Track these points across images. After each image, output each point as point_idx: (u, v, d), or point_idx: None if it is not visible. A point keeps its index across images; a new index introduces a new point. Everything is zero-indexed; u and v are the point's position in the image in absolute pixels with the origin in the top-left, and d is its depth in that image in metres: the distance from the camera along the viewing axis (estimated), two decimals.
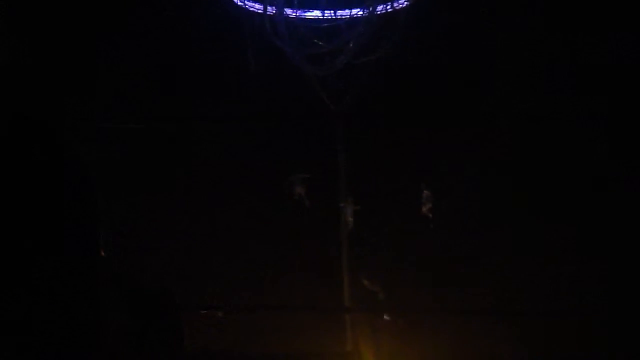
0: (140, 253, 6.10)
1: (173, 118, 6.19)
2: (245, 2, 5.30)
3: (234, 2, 5.33)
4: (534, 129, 6.01)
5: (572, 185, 6.02)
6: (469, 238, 6.15)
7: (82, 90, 6.07)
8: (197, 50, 6.02)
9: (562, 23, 5.76)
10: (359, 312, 6.39)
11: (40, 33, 5.97)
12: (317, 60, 5.35)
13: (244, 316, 6.38)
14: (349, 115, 6.05)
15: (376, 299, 6.32)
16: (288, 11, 4.84)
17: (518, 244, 6.13)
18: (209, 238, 6.29)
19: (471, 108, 6.04)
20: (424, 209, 6.15)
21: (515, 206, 6.09)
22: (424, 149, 6.13)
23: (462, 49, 5.90)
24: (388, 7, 5.04)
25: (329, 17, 4.93)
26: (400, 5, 5.13)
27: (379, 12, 5.05)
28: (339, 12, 4.93)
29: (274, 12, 4.83)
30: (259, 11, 5.26)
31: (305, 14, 4.91)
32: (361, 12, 4.88)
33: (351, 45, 5.28)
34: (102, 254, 5.06)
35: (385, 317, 6.27)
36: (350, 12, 4.89)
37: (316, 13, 4.92)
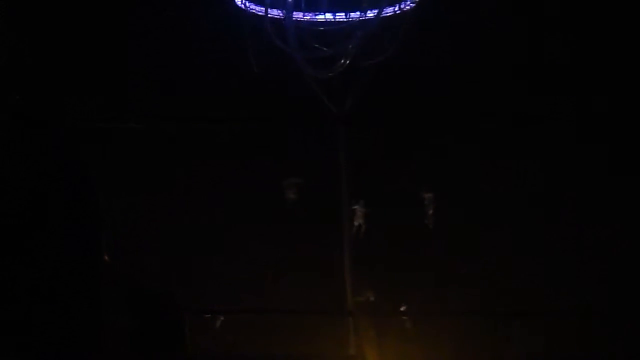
0: (141, 255, 6.10)
1: (173, 119, 6.19)
2: (247, 4, 5.28)
3: (235, 3, 5.32)
4: (534, 129, 6.01)
5: (572, 185, 6.02)
6: (470, 239, 6.14)
7: (82, 90, 6.06)
8: (198, 51, 6.03)
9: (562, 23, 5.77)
10: (361, 315, 6.37)
11: (40, 33, 5.97)
12: (319, 63, 5.35)
13: (246, 319, 6.38)
14: (351, 118, 6.04)
15: (378, 302, 6.32)
16: (299, 14, 4.82)
17: (519, 244, 6.13)
18: (211, 240, 6.29)
19: (472, 109, 6.03)
20: (425, 211, 6.15)
21: (515, 207, 6.08)
22: (425, 151, 6.12)
23: (463, 51, 5.89)
24: (396, 8, 5.02)
25: (340, 20, 4.91)
26: (407, 7, 5.11)
27: (386, 14, 5.04)
28: (351, 15, 4.91)
29: (283, 15, 4.80)
30: (261, 13, 5.24)
31: (317, 16, 4.88)
32: (371, 14, 4.87)
33: (351, 48, 5.27)
34: (105, 257, 5.06)
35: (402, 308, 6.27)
36: (360, 14, 4.88)
37: (327, 16, 4.90)
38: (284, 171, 6.24)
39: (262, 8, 5.25)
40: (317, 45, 5.16)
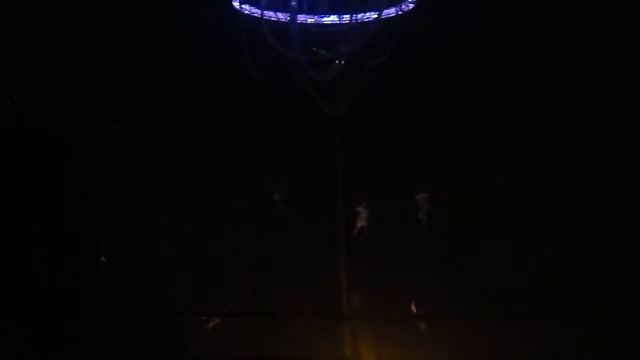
0: (138, 257, 6.07)
1: (171, 120, 6.17)
2: (244, 6, 5.25)
3: (232, 5, 5.29)
4: (532, 130, 6.00)
5: (571, 186, 6.02)
6: (468, 240, 6.14)
7: (79, 91, 6.03)
8: (195, 54, 6.02)
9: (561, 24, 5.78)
10: (357, 318, 6.36)
11: (40, 34, 5.93)
12: (317, 65, 5.32)
13: (243, 322, 6.35)
14: (347, 120, 6.02)
15: (375, 304, 6.30)
16: (303, 17, 4.79)
17: (517, 245, 6.12)
18: (208, 242, 6.27)
19: (468, 111, 6.03)
20: (422, 211, 6.14)
21: (514, 208, 6.08)
22: (423, 152, 6.11)
23: (459, 53, 5.88)
24: (396, 9, 5.00)
25: (340, 22, 4.88)
26: (406, 8, 5.10)
27: (386, 16, 5.02)
28: (356, 16, 4.88)
29: (287, 18, 4.77)
30: (257, 15, 5.21)
31: (322, 19, 4.85)
32: (375, 15, 4.85)
33: (350, 50, 5.25)
34: (104, 260, 5.03)
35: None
36: (365, 15, 4.85)
37: (333, 17, 4.88)
38: (280, 173, 6.22)
39: (258, 10, 5.19)
40: (314, 49, 5.11)
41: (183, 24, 5.90)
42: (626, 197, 5.97)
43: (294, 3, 4.74)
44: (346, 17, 4.91)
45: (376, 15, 4.92)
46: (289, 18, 4.79)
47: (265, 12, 5.13)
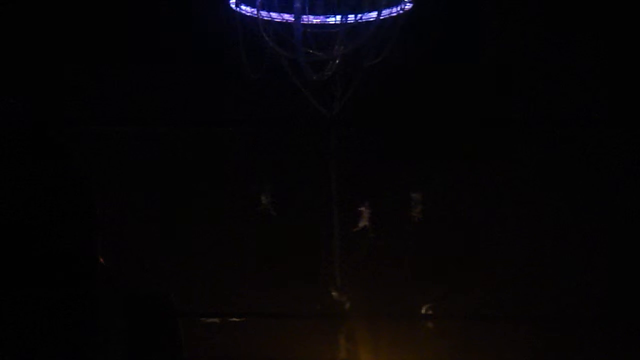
0: (136, 257, 6.03)
1: (167, 121, 6.17)
2: (240, 6, 5.21)
3: (229, 5, 5.25)
4: (527, 132, 6.00)
5: (569, 187, 6.02)
6: (465, 240, 6.12)
7: (77, 92, 6.02)
8: (189, 54, 5.99)
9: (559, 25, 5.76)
10: (353, 318, 6.33)
11: (39, 34, 5.91)
12: (312, 65, 5.30)
13: (240, 323, 6.32)
14: (341, 121, 6.00)
15: (371, 305, 6.27)
16: (309, 17, 4.76)
17: (514, 246, 6.11)
18: (206, 243, 6.24)
19: (466, 112, 6.01)
20: (418, 212, 6.12)
21: (511, 209, 6.07)
22: (419, 152, 6.09)
23: (459, 53, 5.86)
24: (394, 10, 4.98)
25: (351, 22, 4.86)
26: (404, 8, 5.08)
27: (384, 16, 5.00)
28: (361, 16, 4.86)
29: (293, 19, 4.74)
30: (253, 15, 5.17)
31: (328, 19, 4.83)
32: (376, 16, 4.83)
33: (340, 51, 5.22)
34: (101, 260, 4.97)
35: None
36: (369, 15, 4.83)
37: (337, 18, 4.85)
38: (275, 172, 6.20)
39: (254, 10, 5.16)
40: (311, 51, 5.08)
41: (179, 24, 5.86)
42: (626, 197, 5.96)
43: (297, 5, 4.70)
44: (351, 17, 4.87)
45: (375, 16, 4.91)
46: (293, 19, 4.76)
47: (261, 12, 5.10)
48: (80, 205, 4.28)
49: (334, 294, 6.29)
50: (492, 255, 6.12)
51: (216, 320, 6.27)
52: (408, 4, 5.21)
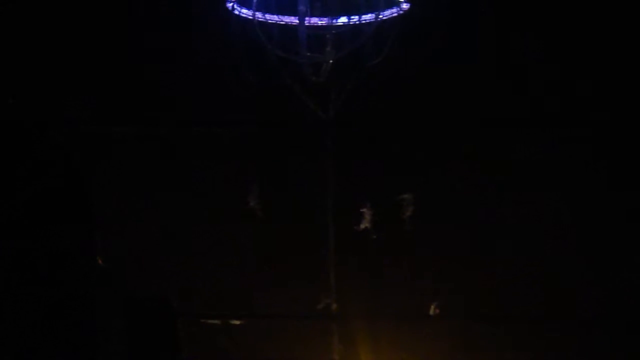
0: (134, 259, 6.04)
1: (165, 122, 6.18)
2: (237, 7, 5.22)
3: (226, 7, 5.26)
4: (527, 132, 6.03)
5: (571, 187, 6.05)
6: (464, 241, 6.15)
7: (76, 92, 6.02)
8: (186, 56, 6.01)
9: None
10: (346, 319, 6.35)
11: (38, 34, 5.91)
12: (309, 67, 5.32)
13: (240, 324, 6.34)
14: (338, 122, 6.03)
15: (364, 306, 6.30)
16: (313, 19, 4.77)
17: (514, 245, 6.14)
18: (203, 244, 6.27)
19: (463, 113, 6.04)
20: (413, 214, 6.15)
21: (511, 209, 6.10)
22: (415, 154, 6.12)
23: (455, 54, 5.89)
24: (393, 11, 5.01)
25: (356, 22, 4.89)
26: (402, 9, 5.10)
27: (383, 18, 5.03)
28: (364, 17, 4.89)
29: (295, 21, 4.75)
30: (251, 18, 5.18)
31: (334, 21, 4.85)
32: (382, 16, 4.86)
33: (332, 54, 5.25)
34: (99, 260, 4.99)
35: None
36: (374, 16, 4.86)
37: (343, 20, 4.87)
38: (271, 174, 6.22)
39: (252, 11, 5.17)
40: (308, 54, 5.09)
41: (177, 25, 5.88)
42: (626, 197, 6.00)
43: (302, 7, 4.72)
44: (355, 18, 4.90)
45: (371, 18, 4.94)
46: (295, 21, 4.77)
47: (258, 13, 5.11)
48: (79, 206, 4.27)
49: (329, 295, 6.31)
50: (492, 255, 6.14)
51: (217, 321, 6.28)
52: (405, 5, 5.23)
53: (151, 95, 6.06)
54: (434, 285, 6.24)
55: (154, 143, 6.16)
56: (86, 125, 6.01)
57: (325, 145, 6.16)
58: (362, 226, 6.20)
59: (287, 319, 6.34)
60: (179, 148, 6.17)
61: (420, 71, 5.93)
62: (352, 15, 5.07)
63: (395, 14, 5.14)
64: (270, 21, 5.14)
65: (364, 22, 4.96)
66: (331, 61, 5.32)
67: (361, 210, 6.19)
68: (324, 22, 4.86)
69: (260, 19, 5.14)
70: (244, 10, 5.20)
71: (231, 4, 5.22)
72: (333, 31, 5.11)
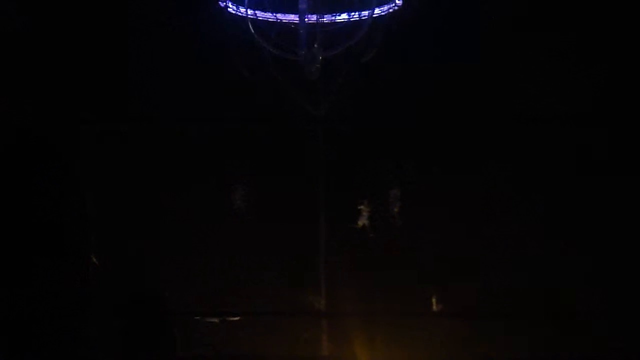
0: (129, 257, 6.01)
1: (160, 121, 6.17)
2: (230, 5, 5.22)
3: (219, 4, 5.26)
4: (530, 130, 6.05)
5: (571, 186, 6.07)
6: (462, 239, 6.16)
7: (72, 91, 6.02)
8: (179, 53, 6.03)
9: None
10: (336, 317, 6.34)
11: (38, 33, 5.90)
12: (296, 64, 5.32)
13: (224, 321, 6.30)
14: (329, 119, 6.04)
15: (354, 303, 6.29)
16: (315, 17, 4.79)
17: (503, 244, 6.15)
18: (199, 242, 6.24)
19: (459, 110, 6.06)
20: (404, 211, 6.15)
21: (509, 207, 6.11)
22: (405, 151, 6.13)
23: (448, 52, 5.91)
24: (385, 8, 5.04)
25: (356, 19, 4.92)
26: (395, 6, 5.13)
27: (376, 15, 5.05)
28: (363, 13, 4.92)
29: (298, 18, 4.77)
30: (247, 16, 5.19)
31: (335, 17, 4.88)
32: (383, 13, 4.89)
33: (320, 51, 5.26)
34: (94, 259, 4.99)
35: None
36: (373, 12, 4.88)
37: (344, 16, 4.90)
38: (263, 172, 6.23)
39: (244, 9, 5.17)
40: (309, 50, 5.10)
41: (170, 22, 5.87)
42: (626, 197, 6.03)
43: (303, 6, 4.73)
44: (355, 15, 4.93)
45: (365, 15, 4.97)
46: (297, 19, 4.78)
47: (250, 11, 5.12)
48: (72, 205, 4.26)
49: (319, 292, 6.31)
50: (489, 254, 6.15)
51: (211, 319, 6.26)
52: (399, 1, 5.25)
53: (144, 93, 6.08)
54: (429, 283, 6.23)
55: (146, 140, 6.15)
56: (78, 123, 5.99)
57: (316, 142, 6.17)
58: (361, 224, 6.21)
59: (287, 317, 6.32)
60: (170, 146, 6.17)
61: (413, 67, 5.95)
62: (343, 13, 5.10)
63: (385, 12, 5.18)
64: (261, 18, 5.15)
65: (359, 18, 4.99)
66: (321, 58, 5.34)
67: (355, 208, 6.20)
68: (325, 19, 4.87)
69: (252, 17, 5.15)
70: (235, 7, 5.21)
71: (224, 3, 5.22)
72: (326, 28, 5.14)
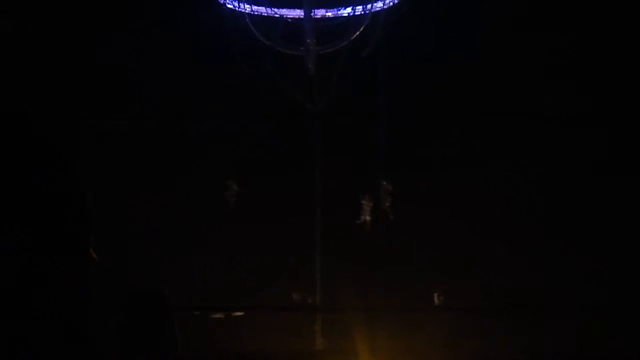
0: (130, 253, 6.06)
1: (158, 117, 6.20)
2: (229, 2, 5.23)
3: (218, 2, 5.27)
4: (529, 128, 6.04)
5: (571, 186, 6.07)
6: (462, 236, 6.14)
7: (72, 88, 6.03)
8: (177, 51, 6.03)
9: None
10: (329, 311, 6.35)
11: (37, 32, 5.90)
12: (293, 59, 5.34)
13: (239, 317, 6.31)
14: (325, 115, 6.05)
15: (348, 299, 6.27)
16: (321, 11, 4.80)
17: (502, 241, 6.14)
18: (197, 239, 6.26)
19: (441, 107, 6.05)
20: (399, 207, 6.15)
21: (509, 206, 6.11)
22: (401, 146, 6.14)
23: (446, 47, 5.91)
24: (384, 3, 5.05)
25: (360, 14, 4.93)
26: (392, 2, 5.15)
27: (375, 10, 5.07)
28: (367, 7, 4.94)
29: (302, 14, 4.78)
30: (242, 11, 5.20)
31: (340, 12, 4.89)
32: (382, 6, 4.90)
33: (312, 45, 5.27)
34: (94, 255, 4.96)
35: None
36: (374, 6, 4.89)
37: (348, 10, 4.92)
38: (260, 168, 6.25)
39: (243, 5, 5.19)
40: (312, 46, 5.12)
41: (168, 20, 5.88)
42: (626, 196, 6.02)
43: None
44: (359, 8, 4.95)
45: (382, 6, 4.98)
46: (303, 15, 4.80)
47: (250, 6, 5.15)
48: (73, 200, 4.24)
49: (312, 288, 6.31)
50: (489, 252, 6.14)
51: (218, 315, 6.26)
52: None
53: (144, 92, 6.07)
54: (426, 278, 6.22)
55: (146, 139, 6.17)
56: (79, 119, 6.01)
57: (312, 137, 6.17)
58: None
59: (285, 311, 6.32)
60: (170, 143, 6.20)
61: (412, 65, 5.95)
62: (342, 7, 5.12)
63: (384, 7, 5.20)
64: (258, 13, 5.16)
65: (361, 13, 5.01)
66: (316, 53, 5.36)
67: (355, 203, 6.20)
68: (330, 14, 4.88)
69: (250, 12, 5.16)
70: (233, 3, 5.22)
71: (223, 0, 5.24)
72: (326, 24, 5.16)
